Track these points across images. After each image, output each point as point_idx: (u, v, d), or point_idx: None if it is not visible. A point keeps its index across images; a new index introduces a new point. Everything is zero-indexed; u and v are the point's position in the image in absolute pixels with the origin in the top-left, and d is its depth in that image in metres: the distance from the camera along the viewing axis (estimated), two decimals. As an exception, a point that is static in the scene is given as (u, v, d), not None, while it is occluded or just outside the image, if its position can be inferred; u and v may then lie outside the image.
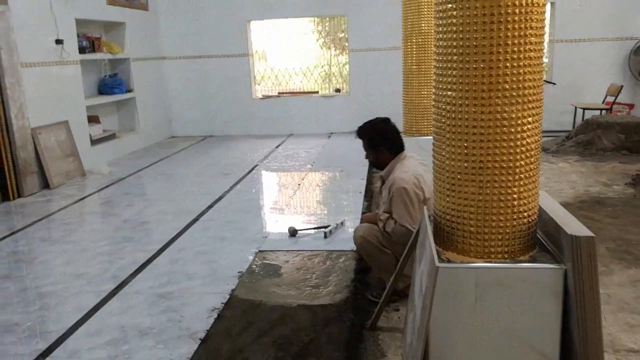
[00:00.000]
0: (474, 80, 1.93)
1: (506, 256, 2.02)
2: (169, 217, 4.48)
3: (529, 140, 1.92)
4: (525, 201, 1.99)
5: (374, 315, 2.59)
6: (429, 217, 2.29)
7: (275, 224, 4.13)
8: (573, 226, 1.88)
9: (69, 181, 5.77)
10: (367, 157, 2.90)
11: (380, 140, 2.80)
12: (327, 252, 3.45)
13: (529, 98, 1.90)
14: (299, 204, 4.74)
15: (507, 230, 2.00)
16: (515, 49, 1.85)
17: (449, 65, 2.00)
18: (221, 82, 8.56)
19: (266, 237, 3.82)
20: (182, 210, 4.61)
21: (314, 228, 3.86)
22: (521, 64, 1.87)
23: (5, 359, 2.38)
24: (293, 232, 3.79)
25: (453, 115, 2.01)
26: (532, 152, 1.95)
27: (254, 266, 3.30)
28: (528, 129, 1.92)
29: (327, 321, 2.61)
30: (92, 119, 6.80)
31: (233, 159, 6.80)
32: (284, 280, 3.08)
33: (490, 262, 2.00)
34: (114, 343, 2.48)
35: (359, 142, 2.88)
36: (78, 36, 6.39)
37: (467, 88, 1.95)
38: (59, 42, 5.83)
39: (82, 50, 6.47)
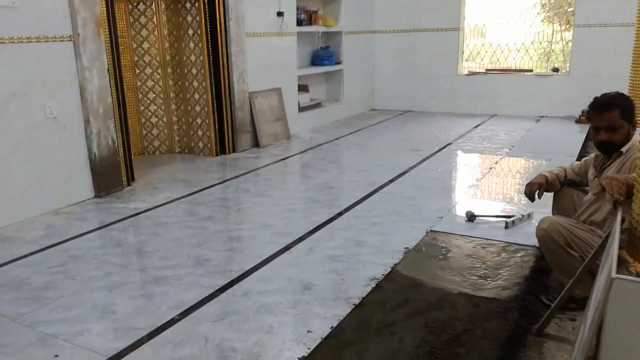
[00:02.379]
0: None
1: None
2: (353, 184, 4.66)
3: None
4: None
5: (543, 320, 2.34)
6: (623, 218, 1.95)
7: (455, 206, 3.97)
8: None
9: (276, 142, 6.38)
10: (605, 137, 2.39)
11: (632, 113, 2.38)
12: (505, 244, 3.20)
13: None
14: (486, 189, 4.46)
15: None
16: None
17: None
18: (428, 56, 8.42)
19: (442, 217, 3.70)
20: (367, 180, 4.74)
21: (496, 216, 3.61)
22: None
23: (193, 288, 2.79)
24: (471, 217, 3.60)
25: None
26: None
27: (423, 245, 3.25)
28: None
29: (488, 315, 2.44)
30: (302, 88, 7.35)
31: (427, 136, 6.70)
32: (450, 265, 2.97)
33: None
34: (279, 291, 2.71)
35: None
36: (297, 9, 6.91)
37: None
38: (280, 14, 6.38)
39: (299, 22, 6.98)
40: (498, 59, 8.67)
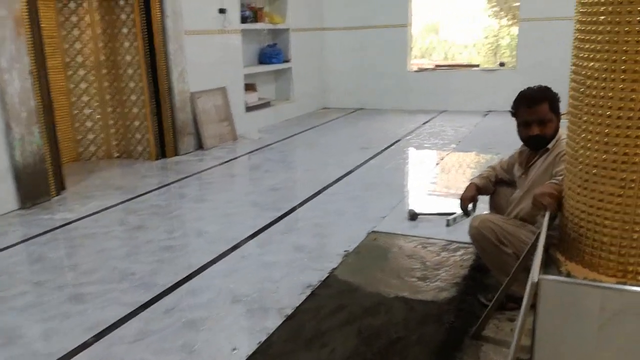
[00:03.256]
0: (624, 48, 1.47)
1: (645, 278, 1.56)
2: (298, 185, 4.52)
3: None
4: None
5: (480, 322, 2.24)
6: (554, 215, 1.87)
7: (398, 204, 3.87)
8: None
9: (221, 144, 6.16)
10: (537, 131, 2.30)
11: (558, 106, 2.33)
12: (445, 242, 3.11)
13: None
14: (430, 186, 4.39)
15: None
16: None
17: (594, 29, 1.56)
18: (378, 53, 8.35)
19: (385, 217, 3.59)
20: (313, 180, 4.59)
21: (438, 214, 3.52)
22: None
23: (113, 305, 2.57)
24: (413, 216, 3.50)
25: (594, 93, 1.58)
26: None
27: (363, 247, 3.12)
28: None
29: (423, 320, 2.33)
30: (249, 87, 7.15)
31: (377, 133, 6.62)
32: (390, 266, 2.85)
33: (626, 283, 1.57)
34: (207, 305, 2.53)
35: (514, 124, 2.45)
36: (242, 6, 6.70)
37: (614, 57, 1.50)
38: (222, 11, 6.16)
39: (244, 19, 6.77)
40: (453, 55, 8.71)
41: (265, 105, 7.46)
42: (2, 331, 2.38)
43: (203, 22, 5.97)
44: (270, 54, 7.46)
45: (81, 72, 5.49)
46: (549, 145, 2.34)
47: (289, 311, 2.43)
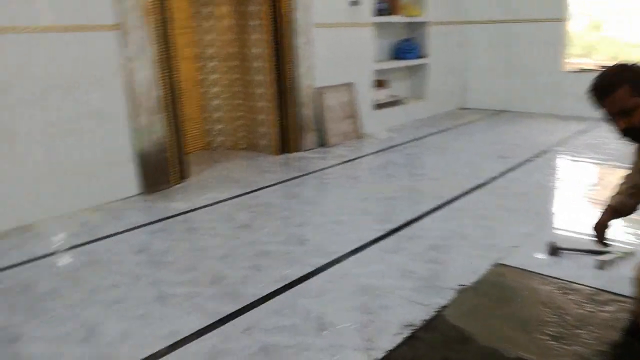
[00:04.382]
0: None
1: None
2: (418, 195, 4.04)
3: None
4: None
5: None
6: None
7: (537, 232, 3.22)
8: None
9: (345, 142, 5.88)
10: (624, 124, 1.84)
11: None
12: (593, 291, 2.45)
13: None
14: (581, 213, 3.62)
15: None
16: None
17: None
18: (526, 50, 7.43)
19: (517, 247, 2.99)
20: (437, 190, 4.09)
21: (587, 251, 2.83)
22: None
23: (194, 313, 2.39)
24: (553, 250, 2.85)
25: None
26: None
27: (484, 283, 2.59)
28: None
29: (552, 398, 1.78)
30: (380, 83, 6.77)
31: (520, 140, 5.83)
32: (516, 315, 2.29)
33: None
34: (288, 330, 2.22)
35: None
36: (378, -2, 6.35)
37: None
38: (354, 3, 5.85)
39: (379, 12, 6.40)
40: (622, 55, 7.47)
41: (396, 103, 7.02)
42: (85, 326, 2.31)
43: (334, 14, 5.70)
44: (405, 48, 6.99)
45: (212, 63, 5.56)
46: None
47: (379, 355, 2.03)
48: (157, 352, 2.11)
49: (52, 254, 3.10)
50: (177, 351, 2.12)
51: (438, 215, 3.60)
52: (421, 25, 7.16)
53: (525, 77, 7.51)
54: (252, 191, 4.23)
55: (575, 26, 7.54)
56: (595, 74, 1.96)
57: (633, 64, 1.87)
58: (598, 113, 1.95)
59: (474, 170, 4.65)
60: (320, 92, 5.61)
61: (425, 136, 6.21)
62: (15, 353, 2.13)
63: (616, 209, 2.16)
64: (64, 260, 3.03)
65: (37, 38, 3.49)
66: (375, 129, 6.40)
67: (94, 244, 3.25)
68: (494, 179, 4.38)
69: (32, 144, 3.54)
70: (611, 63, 1.99)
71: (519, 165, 4.79)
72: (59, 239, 3.30)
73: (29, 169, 3.54)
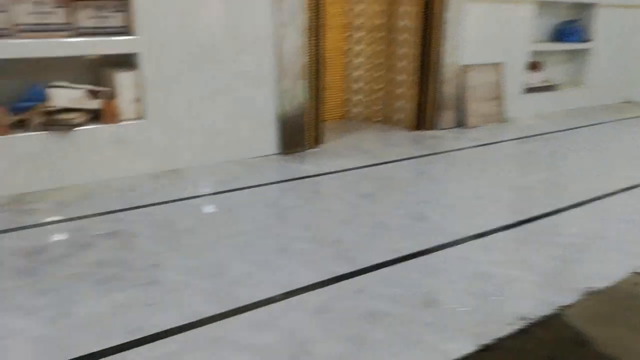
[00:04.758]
0: None
1: None
2: (554, 190, 3.75)
3: None
4: None
5: None
6: None
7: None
8: None
9: (485, 124, 5.62)
10: None
11: None
12: None
13: None
14: None
15: None
16: None
17: None
18: None
19: (663, 257, 2.67)
20: (578, 188, 3.77)
21: None
22: None
23: (309, 269, 2.52)
24: None
25: None
26: None
27: (615, 290, 2.36)
28: None
29: None
30: (534, 66, 6.30)
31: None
32: (646, 328, 2.08)
33: None
34: (397, 300, 2.25)
35: None
36: (544, -27, 5.86)
37: None
38: (517, -22, 5.48)
39: (544, -12, 5.92)
40: None
41: (550, 88, 6.48)
42: (216, 263, 2.57)
43: (492, -12, 5.40)
44: (567, 31, 6.39)
45: (358, 34, 5.61)
46: None
47: (486, 340, 1.98)
48: (273, 296, 2.28)
49: (194, 197, 3.45)
50: (290, 299, 2.27)
51: (577, 212, 3.32)
52: (589, 6, 6.47)
53: None
54: (380, 163, 4.26)
55: None
56: None
57: None
58: None
59: (628, 170, 4.19)
60: (464, 69, 5.40)
61: (577, 127, 5.70)
62: (153, 278, 2.44)
63: None
64: (204, 203, 3.36)
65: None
66: (522, 114, 6.02)
67: (231, 193, 3.54)
68: (650, 182, 3.91)
69: (187, 99, 3.92)
70: None
71: (687, 170, 4.21)
72: (201, 185, 3.66)
73: (183, 119, 3.93)
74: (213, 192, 3.54)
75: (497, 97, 5.73)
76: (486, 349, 1.94)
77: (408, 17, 5.21)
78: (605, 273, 2.50)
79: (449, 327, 2.08)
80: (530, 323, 2.10)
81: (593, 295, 2.31)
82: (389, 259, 2.63)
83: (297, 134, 4.50)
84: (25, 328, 2.02)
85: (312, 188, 3.72)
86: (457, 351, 1.92)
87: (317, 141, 4.69)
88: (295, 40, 4.24)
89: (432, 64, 5.21)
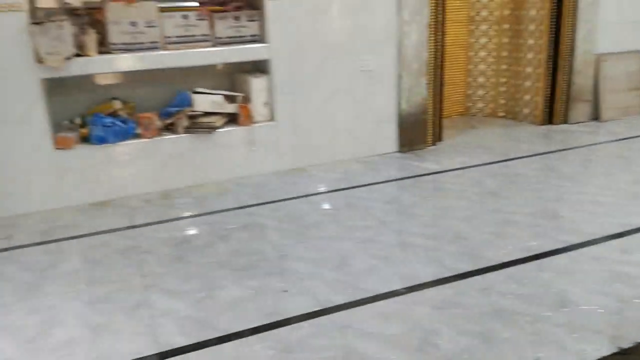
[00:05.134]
0: None
1: None
2: None
3: None
4: None
5: None
6: None
7: None
8: None
9: (624, 117, 5.16)
10: None
11: None
12: None
13: None
14: None
15: None
16: None
17: None
18: None
19: None
20: None
21: None
22: None
23: (432, 264, 2.54)
24: None
25: None
26: None
27: None
28: None
29: None
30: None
31: None
32: None
33: None
34: (529, 300, 2.19)
35: None
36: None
37: None
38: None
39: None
40: None
41: None
42: (340, 255, 2.68)
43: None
44: None
45: (483, 26, 5.44)
46: None
47: (626, 344, 1.86)
48: (396, 290, 2.33)
49: (318, 193, 3.61)
50: (413, 293, 2.31)
51: None
52: None
53: None
54: (504, 160, 4.11)
55: None
56: None
57: None
58: None
59: None
60: (600, 59, 4.99)
61: None
62: (283, 267, 2.61)
63: None
64: (327, 200, 3.51)
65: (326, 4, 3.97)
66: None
67: (354, 189, 3.65)
68: None
69: (312, 101, 4.09)
70: None
71: None
72: (325, 182, 3.82)
73: (308, 120, 4.12)
74: (336, 188, 3.68)
75: (639, 88, 5.22)
76: (624, 353, 1.82)
77: (536, 6, 4.95)
78: None
79: (585, 328, 1.98)
80: (679, 330, 1.93)
81: None
82: (517, 257, 2.56)
83: (418, 131, 4.50)
84: (175, 309, 2.29)
85: (432, 185, 3.71)
86: (592, 353, 1.83)
87: (438, 138, 4.65)
88: (417, 37, 4.25)
89: (563, 54, 4.90)
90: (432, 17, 4.28)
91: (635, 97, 5.22)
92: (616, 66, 5.09)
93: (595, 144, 4.43)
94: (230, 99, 3.92)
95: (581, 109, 5.08)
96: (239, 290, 2.40)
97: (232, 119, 3.93)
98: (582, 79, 4.99)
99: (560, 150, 4.28)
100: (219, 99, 3.86)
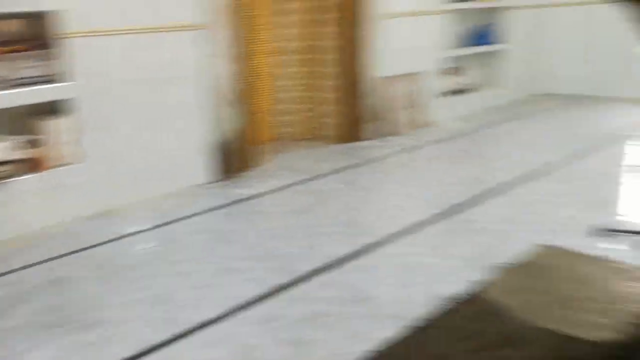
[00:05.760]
0: None
1: None
2: (476, 184, 4.07)
3: None
4: None
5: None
6: None
7: (590, 215, 3.19)
8: None
9: (411, 131, 5.95)
10: None
11: None
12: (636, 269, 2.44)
13: None
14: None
15: None
16: None
17: None
18: (607, 33, 7.05)
19: (568, 229, 3.00)
20: (497, 179, 4.12)
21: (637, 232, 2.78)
22: None
23: (250, 284, 2.67)
24: (607, 231, 2.83)
25: None
26: None
27: (528, 262, 2.64)
28: None
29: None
30: (452, 71, 6.74)
31: (594, 126, 5.65)
32: (554, 291, 2.35)
33: None
34: (331, 301, 2.43)
35: None
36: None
37: None
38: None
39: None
40: None
41: (469, 90, 6.95)
42: (160, 292, 2.65)
43: (404, 3, 5.77)
44: (481, 34, 6.90)
45: (288, 57, 5.83)
46: None
47: (418, 323, 2.19)
48: (220, 315, 2.40)
49: (134, 233, 3.51)
50: (237, 315, 2.39)
51: (497, 201, 3.63)
52: (500, 10, 7.05)
53: (602, 60, 7.15)
54: (311, 179, 4.46)
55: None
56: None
57: None
58: None
59: (542, 158, 4.59)
60: (384, 81, 5.73)
61: (497, 124, 6.14)
62: (98, 317, 2.50)
63: None
64: (144, 238, 3.42)
65: (133, 39, 3.92)
66: (445, 117, 6.39)
67: (172, 224, 3.62)
68: (560, 166, 4.33)
69: (121, 138, 3.97)
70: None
71: (589, 152, 4.67)
72: (140, 221, 3.71)
73: (118, 158, 3.98)
74: (153, 226, 3.61)
75: (419, 104, 6.10)
76: (419, 330, 2.14)
77: (330, 37, 5.50)
78: (521, 250, 2.79)
79: (383, 316, 2.27)
80: (455, 302, 2.33)
81: (509, 270, 2.58)
82: (325, 264, 2.81)
83: (233, 159, 4.64)
84: (-27, 382, 2.04)
85: (248, 209, 3.86)
86: (391, 335, 2.11)
87: (251, 165, 4.85)
88: (226, 69, 4.41)
89: (354, 80, 5.51)
90: (241, 49, 4.50)
91: (416, 112, 6.07)
92: (398, 87, 5.87)
93: (388, 156, 5.04)
94: (25, 145, 3.61)
95: (374, 127, 5.74)
96: (48, 352, 2.23)
97: (30, 165, 3.63)
98: (372, 100, 5.66)
99: (358, 165, 4.79)
100: (9, 145, 3.53)
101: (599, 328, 2.04)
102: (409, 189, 4.05)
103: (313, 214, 3.61)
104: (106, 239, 3.41)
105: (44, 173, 3.63)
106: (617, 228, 2.84)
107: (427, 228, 3.23)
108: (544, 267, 2.58)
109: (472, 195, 3.74)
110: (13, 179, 3.50)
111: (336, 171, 4.64)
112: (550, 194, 3.68)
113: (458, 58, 6.77)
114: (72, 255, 3.19)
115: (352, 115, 5.62)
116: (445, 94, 6.56)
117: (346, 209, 3.69)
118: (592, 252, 2.68)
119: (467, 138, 5.56)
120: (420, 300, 2.37)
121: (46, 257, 3.17)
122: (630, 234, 2.79)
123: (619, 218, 3.12)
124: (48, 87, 3.62)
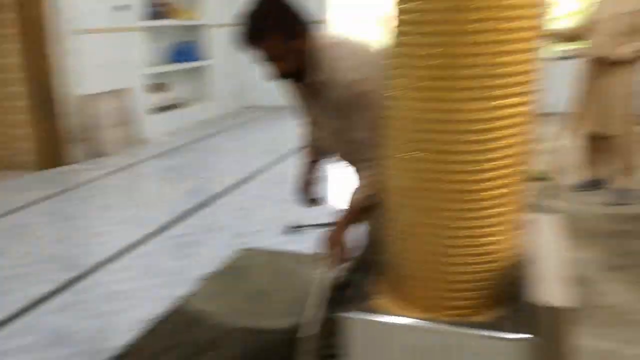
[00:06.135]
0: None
1: (456, 313, 1.41)
2: (175, 196, 4.21)
3: (501, 153, 1.28)
4: (489, 239, 1.36)
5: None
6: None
7: (282, 215, 3.66)
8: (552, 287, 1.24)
9: (121, 149, 5.75)
10: (279, 70, 1.73)
11: (290, 21, 1.70)
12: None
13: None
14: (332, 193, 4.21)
15: (458, 278, 1.38)
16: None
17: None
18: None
19: (261, 230, 3.38)
20: (207, 189, 4.34)
21: (319, 225, 3.31)
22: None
23: None
24: (294, 228, 3.28)
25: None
26: (507, 170, 1.31)
27: (227, 266, 2.89)
28: (499, 136, 1.27)
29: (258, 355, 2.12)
30: (159, 87, 6.77)
31: (290, 134, 6.40)
32: (254, 289, 2.64)
33: (425, 320, 1.40)
34: (30, 347, 2.24)
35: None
36: (149, 1, 6.31)
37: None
38: (120, 8, 5.74)
39: (151, 16, 6.36)
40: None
41: (177, 106, 7.09)
42: None
43: (98, 19, 5.51)
44: (184, 51, 7.08)
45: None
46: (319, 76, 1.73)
47: (114, 353, 2.17)
48: None
49: None
50: None
51: (206, 212, 3.83)
52: (200, 27, 7.34)
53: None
54: (6, 213, 3.95)
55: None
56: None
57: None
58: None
59: (248, 166, 4.97)
60: (88, 99, 5.40)
61: (208, 137, 6.42)
62: None
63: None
64: None
65: None
66: (155, 133, 6.36)
67: None
68: (261, 172, 4.79)
69: None
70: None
71: (287, 156, 5.28)
72: None
73: None
74: None
75: (127, 122, 5.95)
76: (119, 357, 2.13)
77: (11, 55, 4.91)
78: (221, 256, 3.01)
79: (84, 354, 2.19)
80: (157, 321, 2.39)
81: (210, 277, 2.77)
82: (19, 309, 2.55)
83: None
84: None
85: None
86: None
87: None
88: None
89: (49, 98, 5.06)
90: None
91: (125, 130, 5.89)
92: (103, 105, 5.59)
93: (98, 178, 4.78)
94: None
95: (80, 148, 5.37)
96: None
97: None
98: (75, 120, 5.27)
99: (65, 191, 4.43)
100: None
101: (285, 315, 2.37)
102: (122, 211, 3.94)
103: (7, 256, 3.21)
104: None
105: None
106: (303, 224, 3.31)
107: (137, 250, 3.21)
108: (243, 269, 2.85)
109: (184, 210, 3.85)
110: None
111: (35, 202, 4.19)
112: (254, 198, 4.07)
113: (163, 74, 6.83)
114: None
115: (53, 137, 5.15)
116: (155, 110, 6.56)
117: (49, 243, 3.39)
118: (285, 248, 3.08)
119: (179, 153, 5.68)
120: (123, 328, 2.36)
121: None
122: (314, 227, 3.29)
123: (306, 214, 3.64)
124: None
